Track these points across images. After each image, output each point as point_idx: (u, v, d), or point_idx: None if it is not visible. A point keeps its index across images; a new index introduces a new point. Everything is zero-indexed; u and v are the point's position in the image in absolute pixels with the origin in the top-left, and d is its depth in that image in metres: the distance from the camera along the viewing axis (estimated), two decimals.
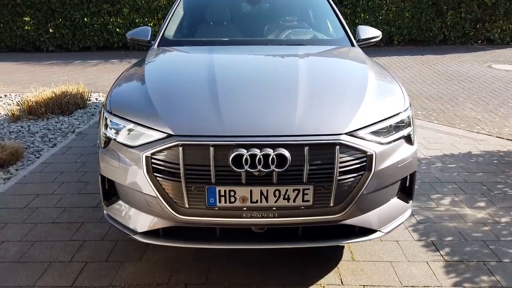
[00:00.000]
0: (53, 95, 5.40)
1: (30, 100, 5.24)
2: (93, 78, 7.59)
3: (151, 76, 2.47)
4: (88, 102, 5.78)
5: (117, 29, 10.22)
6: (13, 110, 5.16)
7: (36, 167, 3.73)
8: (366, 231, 2.11)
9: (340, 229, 2.10)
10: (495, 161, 3.78)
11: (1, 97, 6.30)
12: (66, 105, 5.35)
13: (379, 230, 2.13)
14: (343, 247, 2.52)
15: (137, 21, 10.14)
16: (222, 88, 2.26)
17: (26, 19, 10.36)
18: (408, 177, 2.24)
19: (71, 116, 5.27)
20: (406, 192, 2.27)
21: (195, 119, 2.03)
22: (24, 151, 4.05)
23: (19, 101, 5.52)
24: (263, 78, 2.49)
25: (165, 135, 1.95)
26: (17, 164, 3.83)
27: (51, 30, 10.38)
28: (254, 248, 2.12)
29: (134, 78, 2.53)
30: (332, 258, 2.43)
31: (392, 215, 2.20)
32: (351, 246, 2.53)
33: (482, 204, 3.03)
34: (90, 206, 3.02)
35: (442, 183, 3.37)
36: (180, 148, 1.88)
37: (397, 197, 2.23)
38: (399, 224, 2.23)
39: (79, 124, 4.97)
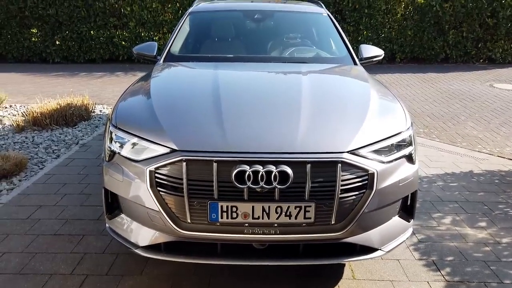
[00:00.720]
0: (58, 107, 5.45)
1: (35, 111, 5.29)
2: (97, 90, 7.67)
3: (156, 91, 2.52)
4: (92, 114, 5.83)
5: (123, 42, 10.36)
6: (18, 121, 5.21)
7: (39, 178, 3.75)
8: (367, 249, 2.12)
9: (341, 247, 2.11)
10: (497, 181, 3.78)
11: (6, 107, 6.36)
12: (71, 116, 5.40)
13: (380, 249, 2.14)
14: (344, 265, 2.52)
15: (142, 34, 10.28)
16: (226, 104, 2.29)
17: (34, 31, 10.51)
18: (410, 196, 2.25)
19: (75, 128, 5.31)
20: (407, 210, 2.28)
21: (199, 134, 2.07)
22: (27, 162, 4.08)
23: (24, 112, 5.57)
24: (266, 95, 2.53)
25: (169, 150, 1.98)
26: (20, 175, 3.86)
27: (57, 42, 10.52)
28: (255, 264, 2.12)
29: (140, 93, 2.57)
30: (333, 276, 2.43)
31: (393, 234, 2.20)
32: (352, 264, 2.53)
33: (483, 224, 3.03)
34: (92, 219, 3.03)
35: (443, 202, 3.37)
36: (184, 163, 1.91)
37: (398, 216, 2.24)
38: (400, 243, 2.23)
39: (83, 136, 5.01)
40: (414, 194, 2.25)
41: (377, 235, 2.12)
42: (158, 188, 1.97)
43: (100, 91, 7.61)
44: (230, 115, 2.18)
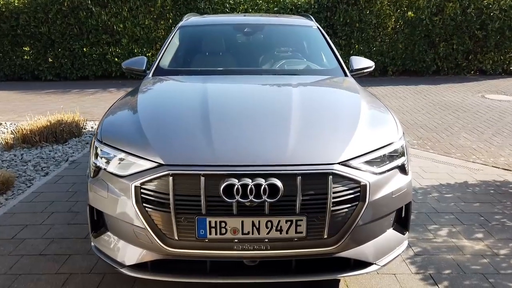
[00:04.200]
0: (48, 124, 5.38)
1: (24, 129, 5.21)
2: (89, 107, 7.61)
3: (143, 105, 2.47)
4: (83, 130, 5.76)
5: (116, 59, 10.35)
6: (7, 139, 5.12)
7: (27, 196, 3.66)
8: (361, 264, 2.05)
9: (335, 262, 2.04)
10: (492, 191, 3.74)
11: None
12: (61, 133, 5.33)
13: (375, 263, 2.07)
14: (338, 280, 2.44)
15: (135, 51, 10.29)
16: (214, 117, 2.25)
17: (26, 49, 10.49)
18: (404, 207, 2.20)
19: (66, 145, 5.23)
20: (402, 223, 2.23)
21: (186, 148, 2.01)
22: (15, 180, 3.99)
23: (13, 129, 5.49)
24: (256, 107, 2.49)
25: (155, 164, 1.92)
26: (7, 194, 3.76)
27: (50, 60, 10.50)
28: (246, 282, 2.05)
29: (126, 108, 2.52)
30: None
31: (388, 247, 2.14)
32: (346, 280, 2.45)
33: (480, 235, 2.97)
34: (79, 237, 2.94)
35: (439, 213, 3.32)
36: (170, 178, 1.85)
37: (393, 229, 2.19)
38: (396, 257, 2.17)
39: (73, 153, 4.93)
40: (408, 206, 2.20)
41: (371, 248, 2.05)
42: (144, 204, 1.91)
43: (92, 108, 7.55)
44: (218, 128, 2.13)
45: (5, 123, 6.43)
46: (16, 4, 10.07)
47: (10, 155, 4.83)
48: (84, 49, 10.32)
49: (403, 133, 2.28)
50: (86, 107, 7.57)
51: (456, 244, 2.85)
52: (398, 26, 10.34)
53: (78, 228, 3.06)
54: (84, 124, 5.85)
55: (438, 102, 7.73)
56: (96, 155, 2.15)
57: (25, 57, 10.49)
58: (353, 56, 3.51)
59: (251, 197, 1.82)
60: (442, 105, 7.45)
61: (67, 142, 5.33)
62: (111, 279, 2.47)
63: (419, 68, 10.52)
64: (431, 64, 10.44)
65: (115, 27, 10.15)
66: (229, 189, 1.82)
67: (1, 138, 5.26)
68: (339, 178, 1.89)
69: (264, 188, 1.81)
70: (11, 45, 10.39)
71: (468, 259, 2.67)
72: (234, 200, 1.82)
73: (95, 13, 9.99)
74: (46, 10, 10.04)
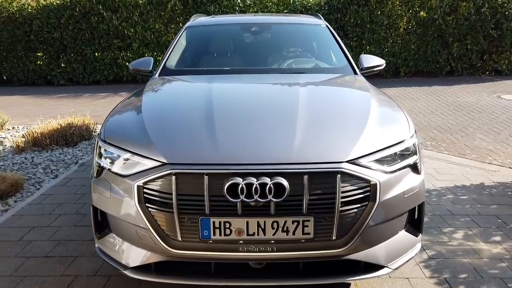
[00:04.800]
0: (59, 127, 5.40)
1: (35, 132, 5.24)
2: (100, 110, 7.65)
3: (148, 105, 2.43)
4: (93, 133, 5.78)
5: (127, 63, 10.41)
6: (18, 142, 5.16)
7: (35, 198, 3.66)
8: (372, 266, 1.97)
9: (344, 265, 1.96)
10: (510, 193, 3.60)
11: (8, 129, 6.34)
12: (71, 136, 5.34)
13: (386, 266, 1.99)
14: (349, 284, 2.36)
15: (146, 55, 10.33)
16: (219, 115, 2.19)
17: (39, 54, 10.64)
18: (416, 208, 2.11)
19: (76, 148, 5.25)
20: (414, 224, 2.14)
21: (190, 147, 1.96)
22: (24, 182, 4.00)
23: (24, 133, 5.53)
24: (262, 106, 2.43)
25: (158, 163, 1.87)
26: (16, 196, 3.77)
27: (62, 65, 10.62)
28: (251, 285, 1.98)
29: (131, 107, 2.49)
30: None
31: (401, 250, 2.05)
32: (357, 284, 2.36)
33: (497, 238, 2.85)
34: (85, 239, 2.91)
35: (454, 215, 3.20)
36: (173, 177, 1.80)
37: (405, 230, 2.10)
38: (409, 260, 2.08)
39: (83, 156, 4.94)
40: (421, 207, 2.11)
41: (382, 251, 1.97)
42: (146, 204, 1.86)
43: (102, 111, 7.58)
44: (223, 126, 2.08)
45: (17, 126, 6.49)
46: (29, 10, 10.23)
47: (21, 158, 4.85)
48: (96, 53, 10.42)
49: (415, 131, 2.19)
50: (97, 110, 7.61)
51: (473, 248, 2.74)
52: (410, 27, 10.19)
53: (85, 230, 3.04)
54: (94, 127, 5.86)
55: (452, 103, 7.56)
56: (100, 154, 2.12)
57: (38, 62, 10.64)
58: (363, 54, 3.43)
59: (256, 197, 1.76)
60: (457, 106, 7.28)
61: (77, 145, 5.35)
62: (116, 282, 2.42)
63: (432, 69, 10.34)
64: (444, 64, 10.25)
65: (126, 32, 10.23)
66: (233, 188, 1.76)
67: (13, 141, 5.30)
68: (348, 177, 1.82)
69: (270, 188, 1.75)
70: (24, 50, 10.55)
71: (486, 263, 2.56)
72: (238, 200, 1.76)
73: (107, 18, 10.09)
74: (59, 15, 10.18)
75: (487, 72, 10.48)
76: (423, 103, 7.57)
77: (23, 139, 5.28)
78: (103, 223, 2.15)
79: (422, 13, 9.94)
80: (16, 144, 5.12)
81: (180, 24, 10.27)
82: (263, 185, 1.75)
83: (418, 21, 10.02)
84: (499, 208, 3.31)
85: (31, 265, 2.62)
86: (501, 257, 2.62)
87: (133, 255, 1.99)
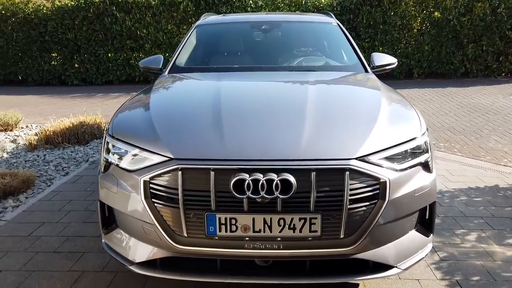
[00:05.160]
0: (71, 125, 5.47)
1: (47, 130, 5.31)
2: (112, 110, 7.69)
3: (156, 101, 2.43)
4: (104, 132, 5.82)
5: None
6: (31, 140, 5.23)
7: (46, 195, 3.69)
8: (381, 266, 1.92)
9: (352, 264, 1.92)
10: None
11: (22, 127, 6.44)
12: (83, 135, 5.40)
13: (395, 266, 1.94)
14: (357, 284, 2.31)
15: None
16: (226, 112, 2.18)
17: (54, 54, 10.80)
18: (428, 207, 2.06)
19: (87, 146, 5.30)
20: (425, 224, 2.08)
21: (196, 142, 1.95)
22: (36, 179, 4.04)
23: (37, 131, 5.60)
24: (270, 103, 2.40)
25: (164, 158, 1.86)
26: (27, 192, 3.81)
27: (76, 65, 10.76)
28: (258, 283, 1.95)
29: (139, 103, 2.49)
30: None
31: (411, 250, 2.00)
32: (366, 284, 2.32)
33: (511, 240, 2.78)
34: (93, 236, 2.92)
35: (467, 217, 3.12)
36: (179, 172, 1.79)
37: (416, 230, 2.05)
38: (419, 260, 2.03)
39: (94, 154, 4.98)
40: (432, 206, 2.06)
41: (392, 250, 1.92)
42: (153, 200, 1.85)
43: (114, 110, 7.63)
44: (230, 123, 2.06)
45: (31, 125, 6.59)
46: (44, 11, 10.39)
47: (33, 155, 4.91)
48: (109, 54, 10.53)
49: (427, 129, 2.14)
50: (109, 110, 7.67)
51: (486, 250, 2.66)
52: (424, 27, 10.06)
53: (94, 227, 3.05)
54: (106, 126, 5.90)
55: (467, 104, 7.43)
56: (107, 150, 2.12)
57: (53, 62, 10.80)
58: (375, 53, 3.38)
59: (262, 193, 1.73)
60: (471, 108, 7.15)
61: (88, 143, 5.40)
62: (123, 277, 2.42)
63: (447, 71, 10.18)
64: (459, 66, 10.08)
65: (138, 33, 10.32)
66: (239, 184, 1.74)
67: (26, 139, 5.37)
68: (357, 174, 1.78)
69: (276, 184, 1.72)
70: (39, 51, 10.73)
71: (499, 265, 2.49)
72: (245, 196, 1.74)
73: (120, 19, 10.19)
74: (73, 16, 10.32)
75: (503, 74, 10.28)
76: (436, 105, 7.45)
77: (36, 137, 5.35)
78: (110, 219, 2.15)
79: (436, 13, 9.80)
80: (29, 142, 5.19)
81: (192, 25, 10.32)
82: (270, 182, 1.73)
83: (432, 21, 9.89)
84: None
85: (40, 260, 2.63)
86: None
87: (139, 251, 1.99)
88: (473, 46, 9.91)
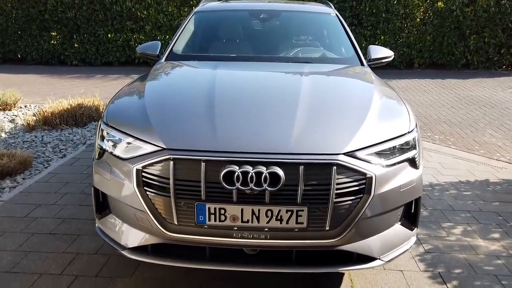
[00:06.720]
0: (69, 107, 5.49)
1: (46, 111, 5.33)
2: (112, 91, 7.69)
3: (151, 90, 2.45)
4: (102, 114, 5.84)
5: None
6: (29, 120, 5.26)
7: (43, 176, 3.75)
8: (365, 258, 1.98)
9: (337, 255, 1.98)
10: None
11: (21, 107, 6.46)
12: (81, 117, 5.42)
13: (379, 258, 2.00)
14: (342, 274, 2.39)
15: (158, 38, 10.34)
16: (220, 103, 2.21)
17: (53, 34, 10.72)
18: (413, 202, 2.11)
19: (85, 128, 5.33)
20: (410, 218, 2.14)
21: (189, 133, 1.99)
22: (33, 160, 4.09)
23: (35, 112, 5.63)
24: (263, 95, 2.43)
25: (157, 148, 1.90)
26: (25, 173, 3.86)
27: (76, 45, 10.70)
28: (245, 270, 2.02)
29: (134, 91, 2.52)
30: (330, 285, 2.30)
31: (394, 243, 2.07)
32: (351, 274, 2.40)
33: (496, 235, 2.84)
34: (88, 218, 2.98)
35: (455, 211, 3.19)
36: (171, 162, 1.83)
37: (400, 224, 2.11)
38: (402, 253, 2.09)
39: (91, 136, 5.01)
40: (417, 201, 2.11)
41: (376, 243, 1.98)
42: (145, 188, 1.90)
43: (113, 92, 7.63)
44: (223, 114, 2.10)
45: (29, 105, 6.60)
46: None
47: (31, 136, 4.95)
48: (109, 35, 10.46)
49: (416, 125, 2.18)
50: (108, 92, 7.66)
51: (470, 244, 2.74)
52: (426, 17, 9.98)
53: (89, 210, 3.11)
54: (104, 108, 5.92)
55: (465, 96, 7.44)
56: (102, 137, 2.16)
57: (52, 42, 10.72)
58: (371, 45, 3.38)
59: (251, 185, 1.78)
60: (469, 100, 7.17)
61: (86, 125, 5.43)
62: (116, 260, 2.49)
63: (447, 61, 10.15)
64: (460, 57, 10.05)
65: (139, 14, 10.23)
66: (229, 176, 1.79)
67: (24, 119, 5.40)
68: (344, 169, 1.82)
69: (265, 176, 1.77)
70: (39, 29, 10.65)
71: (482, 259, 2.56)
72: (234, 187, 1.79)
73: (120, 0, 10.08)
74: None
75: (504, 67, 10.26)
76: (434, 96, 7.47)
77: (34, 118, 5.38)
78: (103, 204, 2.20)
79: (439, 3, 9.72)
80: (27, 123, 5.22)
81: (193, 7, 10.21)
82: (259, 174, 1.77)
83: (435, 11, 9.82)
84: (501, 206, 3.29)
85: (35, 241, 2.70)
86: (498, 254, 2.62)
87: (131, 237, 2.04)
88: (475, 37, 9.86)
